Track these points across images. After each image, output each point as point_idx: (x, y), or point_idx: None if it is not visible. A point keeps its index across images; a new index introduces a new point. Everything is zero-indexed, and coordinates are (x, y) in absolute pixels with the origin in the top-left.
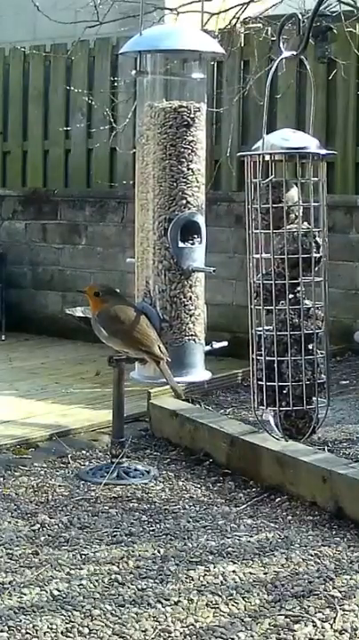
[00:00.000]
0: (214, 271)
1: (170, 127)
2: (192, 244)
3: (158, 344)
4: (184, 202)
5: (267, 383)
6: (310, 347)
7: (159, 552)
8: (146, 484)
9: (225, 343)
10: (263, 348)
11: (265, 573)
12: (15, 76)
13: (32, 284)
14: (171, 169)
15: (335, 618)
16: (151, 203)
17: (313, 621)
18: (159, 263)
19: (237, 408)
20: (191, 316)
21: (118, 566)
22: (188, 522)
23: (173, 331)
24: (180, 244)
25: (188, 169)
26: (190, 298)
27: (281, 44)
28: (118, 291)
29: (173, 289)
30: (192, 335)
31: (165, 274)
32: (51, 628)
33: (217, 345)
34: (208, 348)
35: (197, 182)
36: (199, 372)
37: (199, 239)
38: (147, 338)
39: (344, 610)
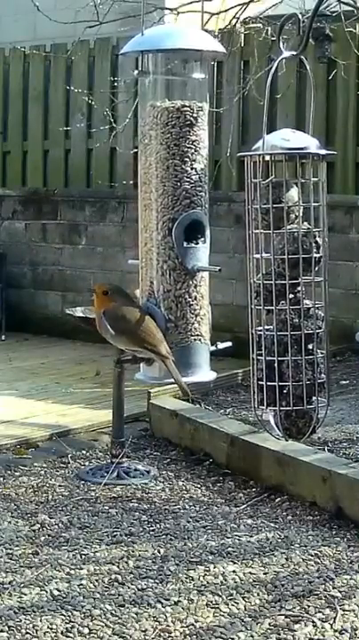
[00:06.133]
0: (220, 270)
1: (173, 127)
2: (196, 243)
3: (164, 343)
4: (188, 201)
5: (268, 383)
6: (310, 346)
7: (159, 552)
8: (146, 484)
9: (229, 343)
10: (263, 348)
11: (265, 573)
12: (15, 76)
13: (32, 284)
14: (174, 168)
15: (335, 618)
16: (155, 203)
17: (313, 621)
18: (164, 263)
19: (237, 408)
20: (196, 315)
21: (118, 566)
22: (188, 522)
23: (179, 331)
24: (185, 244)
25: (192, 168)
26: (195, 298)
27: (281, 44)
28: (128, 292)
29: (178, 289)
30: (197, 335)
31: (170, 274)
32: (51, 628)
33: (221, 345)
34: (213, 348)
35: (201, 182)
36: (205, 372)
37: (203, 239)
38: (154, 337)
39: (344, 610)
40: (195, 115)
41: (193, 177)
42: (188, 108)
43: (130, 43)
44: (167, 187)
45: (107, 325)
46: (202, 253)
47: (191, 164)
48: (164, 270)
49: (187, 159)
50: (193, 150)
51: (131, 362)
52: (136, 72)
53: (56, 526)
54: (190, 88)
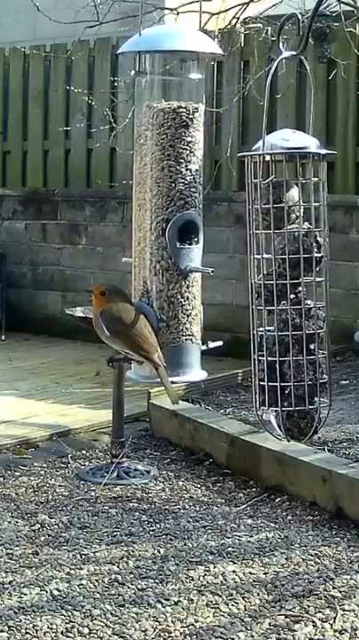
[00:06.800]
0: (213, 272)
1: (168, 127)
2: (190, 244)
3: (157, 349)
4: (182, 202)
5: (269, 383)
6: (312, 347)
7: (159, 552)
8: (146, 483)
9: (220, 342)
10: (265, 349)
11: (265, 573)
12: (15, 76)
13: (32, 284)
14: (169, 169)
15: (335, 618)
16: (149, 203)
17: (313, 621)
18: (157, 263)
19: (237, 408)
20: (188, 316)
21: (118, 566)
22: (188, 522)
23: (170, 331)
24: (178, 245)
25: (187, 169)
26: (187, 298)
27: (281, 44)
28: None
29: (171, 289)
30: (189, 335)
31: (163, 274)
32: (51, 628)
33: (212, 344)
34: (204, 347)
35: (195, 183)
36: (195, 372)
37: (197, 239)
38: (147, 343)
39: (344, 610)
40: (190, 116)
41: (187, 178)
42: (184, 109)
43: (127, 43)
44: (161, 187)
45: (102, 326)
46: (195, 254)
47: (186, 165)
48: (157, 270)
49: (181, 160)
50: (188, 151)
51: (123, 361)
52: (133, 72)
53: (56, 526)
54: (186, 89)
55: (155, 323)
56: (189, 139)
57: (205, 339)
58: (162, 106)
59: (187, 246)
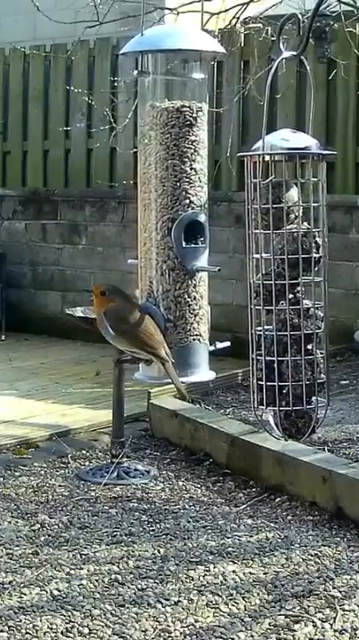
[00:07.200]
0: (219, 270)
1: (172, 127)
2: (196, 243)
3: (164, 346)
4: (187, 201)
5: (267, 383)
6: (310, 347)
7: (159, 552)
8: (146, 484)
9: (228, 343)
10: (263, 348)
11: (265, 573)
12: (15, 76)
13: (32, 284)
14: (174, 169)
15: (335, 618)
16: (154, 203)
17: (313, 621)
18: (163, 263)
19: (237, 408)
20: (195, 315)
21: (118, 566)
22: (188, 522)
23: (178, 331)
24: (184, 244)
25: (191, 168)
26: (194, 298)
27: (281, 44)
28: (127, 292)
29: (177, 289)
30: (196, 335)
31: (169, 274)
32: (51, 628)
33: (220, 345)
34: (211, 348)
35: (200, 182)
36: (204, 372)
37: (202, 239)
38: (153, 339)
39: (344, 610)
40: (194, 115)
41: (192, 177)
42: (188, 109)
43: (129, 43)
44: (166, 187)
45: (107, 326)
46: (201, 253)
47: (190, 165)
48: (164, 270)
49: (186, 159)
50: (192, 150)
51: (131, 362)
52: (135, 72)
53: (56, 526)
54: (190, 88)
55: (162, 323)
56: (194, 138)
57: (211, 339)
58: (165, 105)
59: (192, 246)
